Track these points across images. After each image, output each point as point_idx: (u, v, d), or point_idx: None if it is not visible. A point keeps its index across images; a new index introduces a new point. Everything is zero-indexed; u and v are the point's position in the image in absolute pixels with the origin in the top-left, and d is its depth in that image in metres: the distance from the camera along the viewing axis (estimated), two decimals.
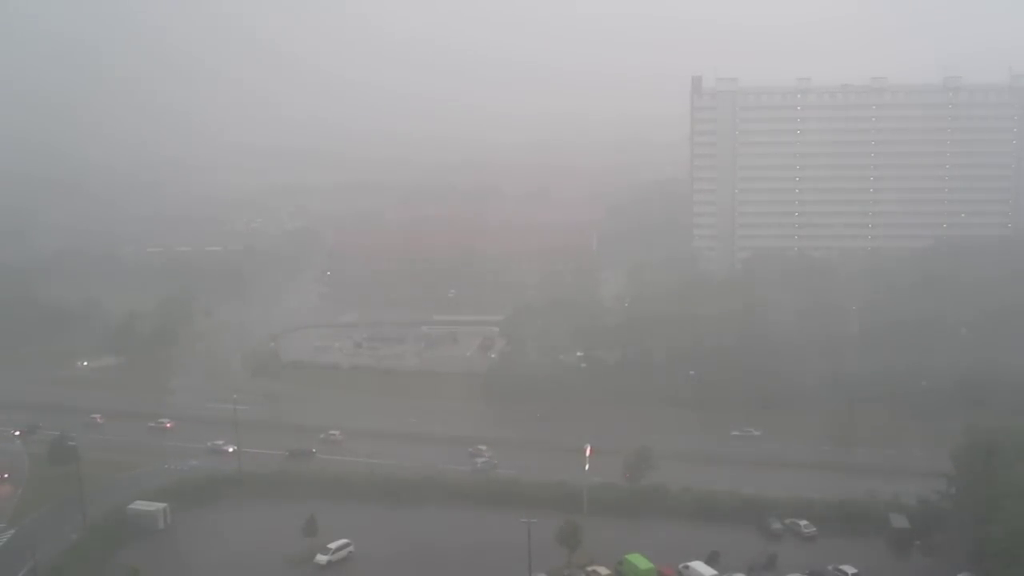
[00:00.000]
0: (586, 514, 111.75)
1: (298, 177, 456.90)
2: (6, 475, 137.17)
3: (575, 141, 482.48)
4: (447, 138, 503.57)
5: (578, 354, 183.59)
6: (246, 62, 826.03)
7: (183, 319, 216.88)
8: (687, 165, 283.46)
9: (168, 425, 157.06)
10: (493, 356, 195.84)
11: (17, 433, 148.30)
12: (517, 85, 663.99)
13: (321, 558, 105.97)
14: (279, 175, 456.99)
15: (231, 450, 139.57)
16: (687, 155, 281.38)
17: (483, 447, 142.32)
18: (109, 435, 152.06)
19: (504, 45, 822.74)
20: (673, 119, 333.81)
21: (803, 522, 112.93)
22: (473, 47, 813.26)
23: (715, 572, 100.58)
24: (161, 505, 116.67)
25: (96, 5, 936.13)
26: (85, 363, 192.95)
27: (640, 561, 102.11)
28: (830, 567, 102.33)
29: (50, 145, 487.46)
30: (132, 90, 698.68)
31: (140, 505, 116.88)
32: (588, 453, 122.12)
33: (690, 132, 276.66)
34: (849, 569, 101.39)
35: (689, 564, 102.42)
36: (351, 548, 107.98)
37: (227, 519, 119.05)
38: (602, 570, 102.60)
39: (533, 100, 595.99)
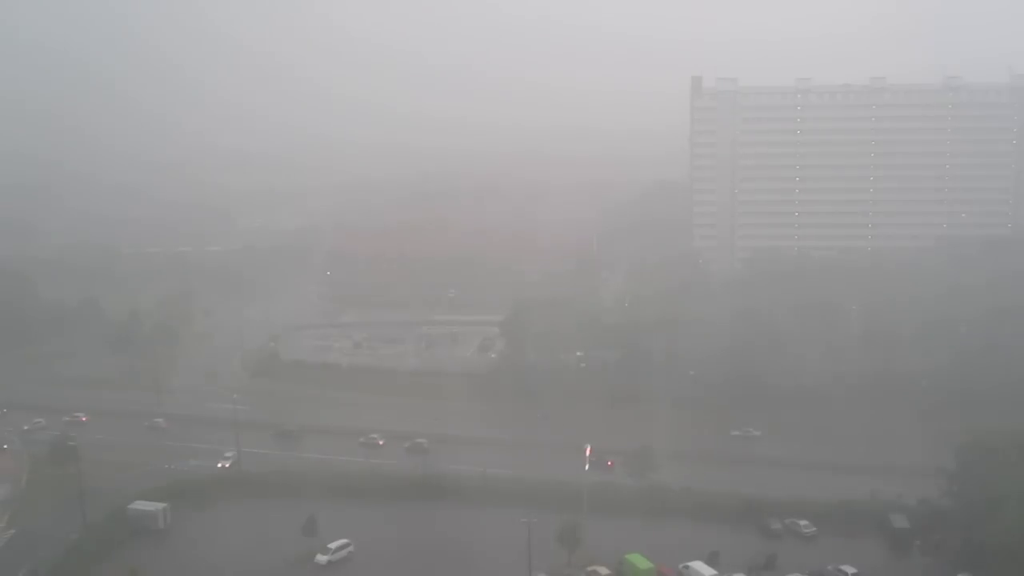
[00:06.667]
0: (586, 514, 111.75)
1: (297, 179, 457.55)
2: (5, 446, 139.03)
3: (576, 148, 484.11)
4: (448, 148, 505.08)
5: (578, 354, 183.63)
6: (239, 71, 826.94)
7: (183, 319, 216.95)
8: (687, 166, 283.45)
9: (84, 419, 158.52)
10: (493, 356, 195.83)
11: None
12: (517, 98, 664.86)
13: (321, 558, 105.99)
14: (277, 178, 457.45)
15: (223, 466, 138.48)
16: (687, 157, 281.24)
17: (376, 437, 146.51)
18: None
19: (502, 60, 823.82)
20: (673, 128, 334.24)
21: (803, 522, 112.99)
22: (470, 62, 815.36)
23: (715, 572, 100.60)
24: (161, 505, 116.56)
25: (83, 13, 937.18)
26: None
27: (640, 561, 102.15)
28: (830, 567, 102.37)
29: (40, 151, 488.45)
30: (119, 96, 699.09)
31: (140, 505, 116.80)
32: (588, 453, 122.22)
33: (690, 132, 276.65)
34: (849, 569, 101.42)
35: (689, 564, 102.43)
36: (351, 548, 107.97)
37: (227, 519, 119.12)
38: (602, 570, 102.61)
39: (534, 113, 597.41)
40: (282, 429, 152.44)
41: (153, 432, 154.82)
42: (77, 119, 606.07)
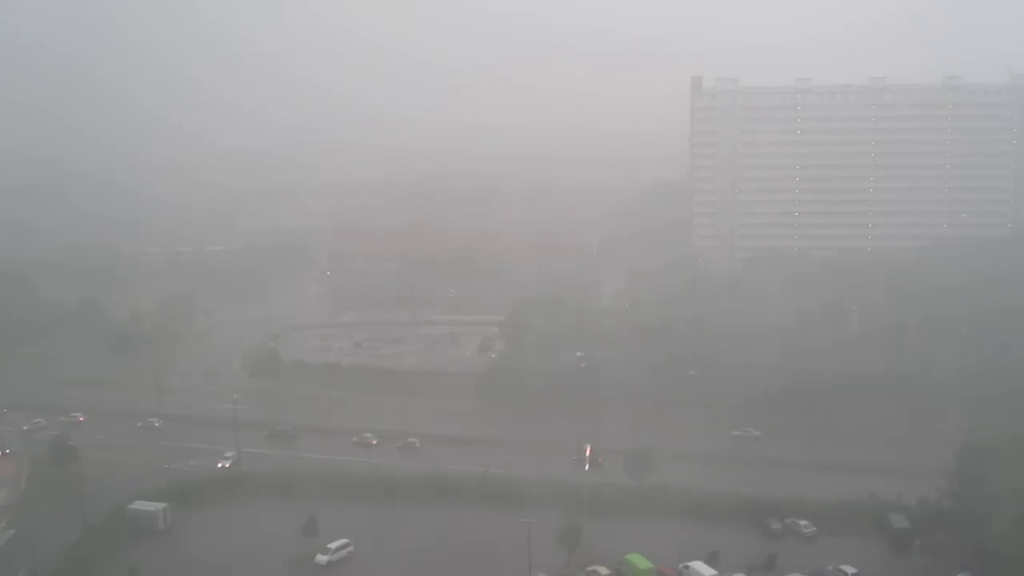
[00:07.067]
0: (586, 514, 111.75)
1: (297, 179, 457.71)
2: (7, 450, 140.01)
3: (576, 149, 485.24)
4: (448, 149, 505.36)
5: (578, 354, 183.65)
6: (239, 72, 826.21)
7: (183, 319, 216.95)
8: (687, 166, 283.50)
9: (81, 419, 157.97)
10: (493, 356, 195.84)
11: None
12: (518, 100, 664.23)
13: (321, 558, 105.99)
14: (277, 178, 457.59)
15: (223, 466, 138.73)
16: (687, 158, 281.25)
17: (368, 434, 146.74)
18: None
19: (502, 62, 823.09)
20: (673, 130, 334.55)
21: (803, 522, 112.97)
22: (470, 64, 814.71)
23: (715, 572, 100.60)
24: (161, 505, 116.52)
25: (83, 13, 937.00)
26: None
27: (640, 561, 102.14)
28: (830, 567, 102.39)
29: (40, 151, 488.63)
30: (119, 96, 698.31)
31: (140, 505, 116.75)
32: (588, 453, 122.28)
33: (690, 132, 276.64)
34: (849, 569, 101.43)
35: (689, 564, 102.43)
36: (351, 548, 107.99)
37: (227, 519, 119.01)
38: (602, 570, 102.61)
39: (534, 115, 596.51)
40: (276, 429, 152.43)
41: (148, 432, 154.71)
42: (77, 119, 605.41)
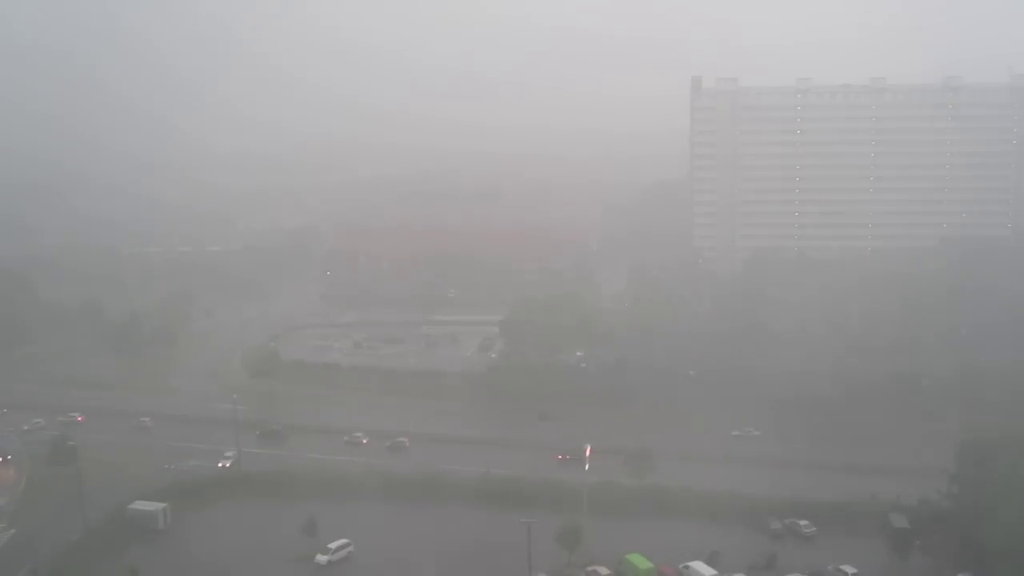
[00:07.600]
0: (586, 514, 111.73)
1: (297, 179, 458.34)
2: (10, 456, 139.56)
3: (577, 150, 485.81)
4: (448, 149, 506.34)
5: (578, 354, 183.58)
6: (239, 72, 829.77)
7: (183, 319, 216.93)
8: (687, 166, 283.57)
9: (79, 419, 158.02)
10: (493, 356, 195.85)
11: None
12: (518, 100, 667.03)
13: (321, 558, 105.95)
14: (277, 178, 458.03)
15: (223, 466, 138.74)
16: (687, 158, 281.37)
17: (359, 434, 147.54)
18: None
19: (502, 63, 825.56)
20: (674, 130, 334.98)
21: (803, 522, 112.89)
22: (470, 64, 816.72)
23: (715, 572, 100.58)
24: (161, 505, 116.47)
25: (83, 14, 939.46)
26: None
27: (640, 561, 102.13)
28: (830, 567, 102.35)
29: (39, 151, 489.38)
30: (119, 96, 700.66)
31: (140, 505, 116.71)
32: (588, 453, 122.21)
33: (690, 132, 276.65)
34: (849, 569, 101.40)
35: (689, 564, 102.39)
36: (351, 548, 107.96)
37: (227, 519, 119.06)
38: (602, 570, 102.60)
39: (535, 115, 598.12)
40: (267, 428, 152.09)
41: (145, 432, 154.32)
42: (77, 119, 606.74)
